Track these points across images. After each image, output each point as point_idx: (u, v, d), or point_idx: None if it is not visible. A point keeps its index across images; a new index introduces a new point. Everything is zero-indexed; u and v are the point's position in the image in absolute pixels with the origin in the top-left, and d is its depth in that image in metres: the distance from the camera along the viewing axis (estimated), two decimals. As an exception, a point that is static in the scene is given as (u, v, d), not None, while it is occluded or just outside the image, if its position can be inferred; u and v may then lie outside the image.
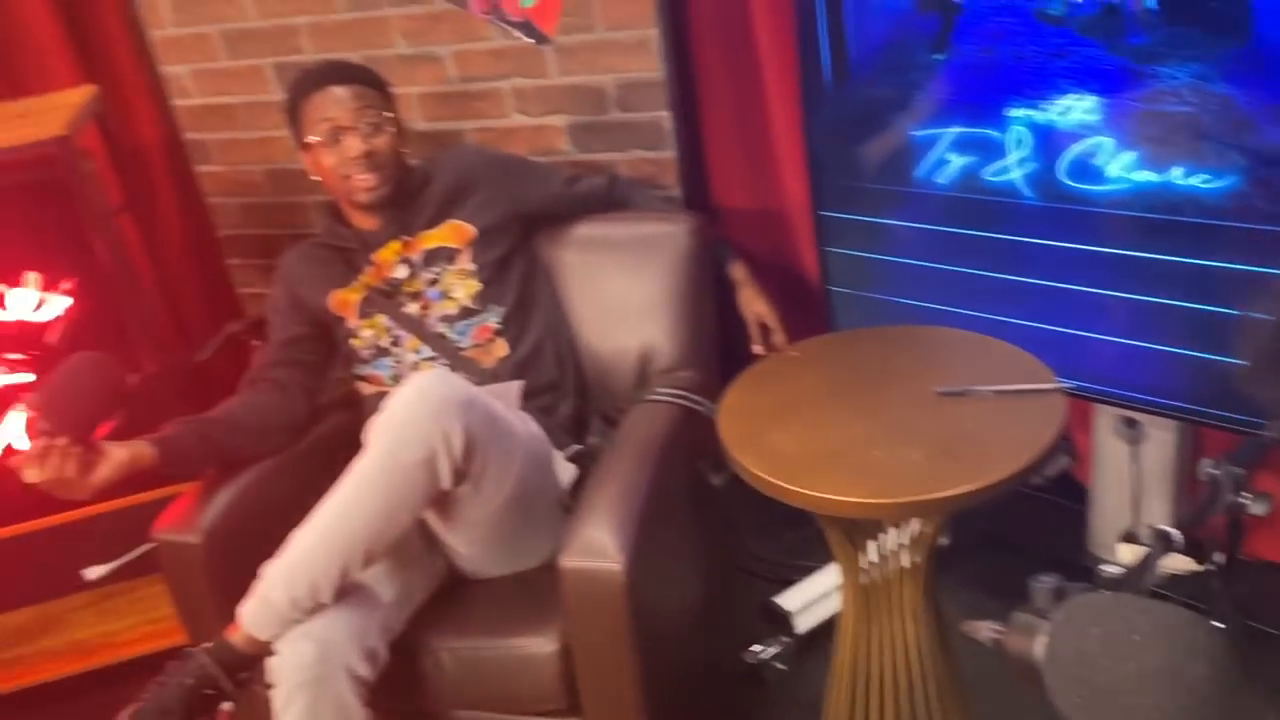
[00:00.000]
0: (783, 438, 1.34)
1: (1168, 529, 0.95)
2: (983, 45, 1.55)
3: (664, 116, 2.22)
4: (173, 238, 2.70)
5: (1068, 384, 1.37)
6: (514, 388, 1.75)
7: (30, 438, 1.52)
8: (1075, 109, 1.51)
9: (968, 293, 1.75)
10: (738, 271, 2.05)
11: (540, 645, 1.55)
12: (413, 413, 1.44)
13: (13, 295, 1.93)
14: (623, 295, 1.99)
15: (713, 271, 2.03)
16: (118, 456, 1.53)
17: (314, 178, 1.87)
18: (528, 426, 1.68)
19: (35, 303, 1.93)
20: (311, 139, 1.80)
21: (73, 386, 1.53)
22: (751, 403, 1.46)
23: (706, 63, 2.24)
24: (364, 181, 1.79)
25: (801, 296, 2.22)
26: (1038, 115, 1.55)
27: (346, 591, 1.47)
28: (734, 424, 1.39)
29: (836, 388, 1.47)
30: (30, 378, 1.99)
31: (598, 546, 1.46)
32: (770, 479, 1.27)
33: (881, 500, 1.24)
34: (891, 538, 1.40)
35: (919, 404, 1.41)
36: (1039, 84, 1.53)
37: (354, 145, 1.77)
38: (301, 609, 1.43)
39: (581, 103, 2.26)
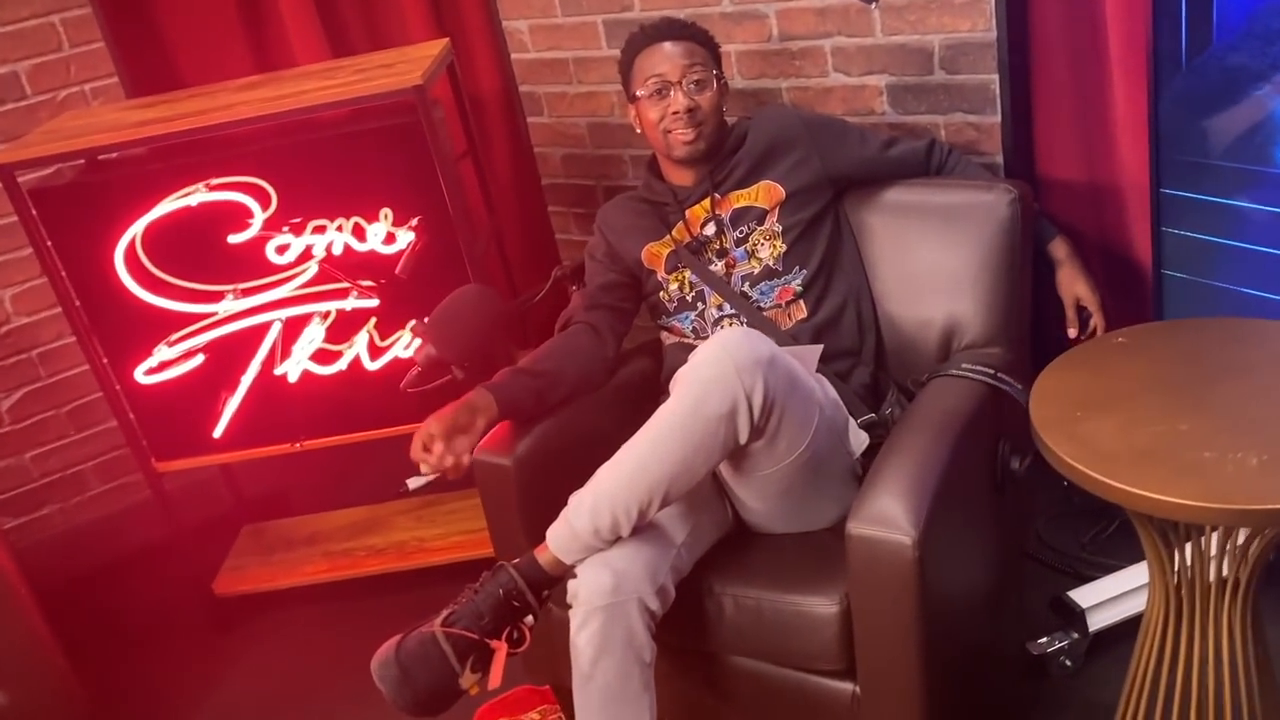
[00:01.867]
0: (1101, 428, 1.27)
1: None
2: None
3: (993, 80, 2.13)
4: (502, 184, 2.90)
5: None
6: (814, 352, 1.76)
7: (419, 363, 1.71)
8: None
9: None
10: (1059, 248, 1.95)
11: (821, 605, 1.56)
12: (719, 367, 1.48)
13: (370, 229, 2.14)
14: (932, 264, 1.94)
15: (1032, 246, 1.94)
16: (479, 426, 1.70)
17: (637, 130, 1.95)
18: (825, 391, 1.69)
19: (385, 236, 2.14)
20: (640, 92, 1.87)
21: (460, 315, 1.70)
22: (1069, 388, 1.39)
23: (1043, 25, 2.11)
24: (683, 136, 1.85)
25: (1127, 280, 2.07)
26: None
27: (643, 529, 1.55)
28: (1048, 408, 1.33)
29: (1165, 380, 1.37)
30: (375, 303, 2.21)
31: (888, 516, 1.45)
32: (1085, 469, 1.21)
33: (1209, 505, 1.15)
34: (1213, 544, 1.29)
35: (1260, 405, 1.29)
36: None
37: (678, 100, 1.83)
38: (603, 539, 1.52)
39: (904, 62, 2.21)
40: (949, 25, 2.13)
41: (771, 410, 1.50)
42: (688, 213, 1.93)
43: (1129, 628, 1.90)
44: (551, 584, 1.56)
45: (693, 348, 1.89)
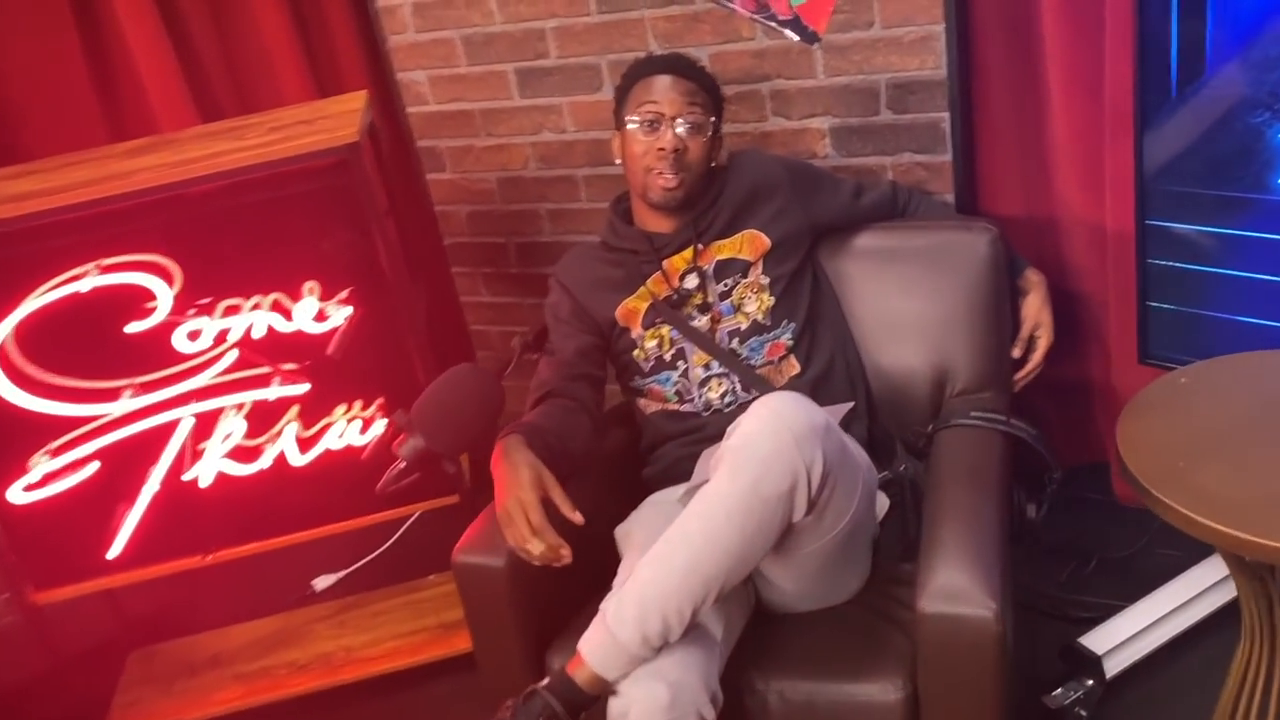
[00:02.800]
0: (1211, 476, 1.20)
1: None
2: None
3: (943, 118, 2.09)
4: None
5: None
6: (843, 410, 1.64)
7: (404, 459, 1.49)
8: None
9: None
10: (1033, 276, 1.90)
11: (883, 692, 1.43)
12: (776, 440, 1.33)
13: (298, 307, 1.89)
14: (916, 310, 1.86)
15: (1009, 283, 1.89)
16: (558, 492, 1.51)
17: (616, 161, 1.82)
18: (861, 452, 1.57)
19: (316, 313, 1.89)
20: (630, 122, 1.73)
21: (453, 402, 1.49)
22: (1156, 436, 1.31)
23: (985, 61, 2.09)
24: (664, 180, 1.71)
25: (1067, 309, 2.07)
26: None
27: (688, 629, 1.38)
28: (1146, 460, 1.24)
29: (1253, 419, 1.31)
30: (305, 388, 1.95)
31: (963, 590, 1.34)
32: (1216, 525, 1.12)
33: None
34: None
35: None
36: None
37: (666, 137, 1.70)
38: (651, 647, 1.33)
39: (849, 104, 2.14)
40: (897, 64, 2.07)
41: (826, 482, 1.37)
42: (665, 263, 1.79)
43: (1142, 668, 1.86)
44: (590, 704, 1.36)
45: (681, 415, 1.75)
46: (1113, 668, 1.84)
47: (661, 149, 1.70)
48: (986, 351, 1.83)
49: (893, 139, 2.14)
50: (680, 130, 1.70)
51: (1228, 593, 1.84)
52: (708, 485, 1.37)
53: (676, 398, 1.78)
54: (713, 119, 1.75)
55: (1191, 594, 1.88)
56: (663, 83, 1.72)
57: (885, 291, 1.88)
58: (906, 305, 1.87)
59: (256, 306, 1.88)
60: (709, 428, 1.74)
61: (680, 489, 1.69)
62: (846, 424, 1.75)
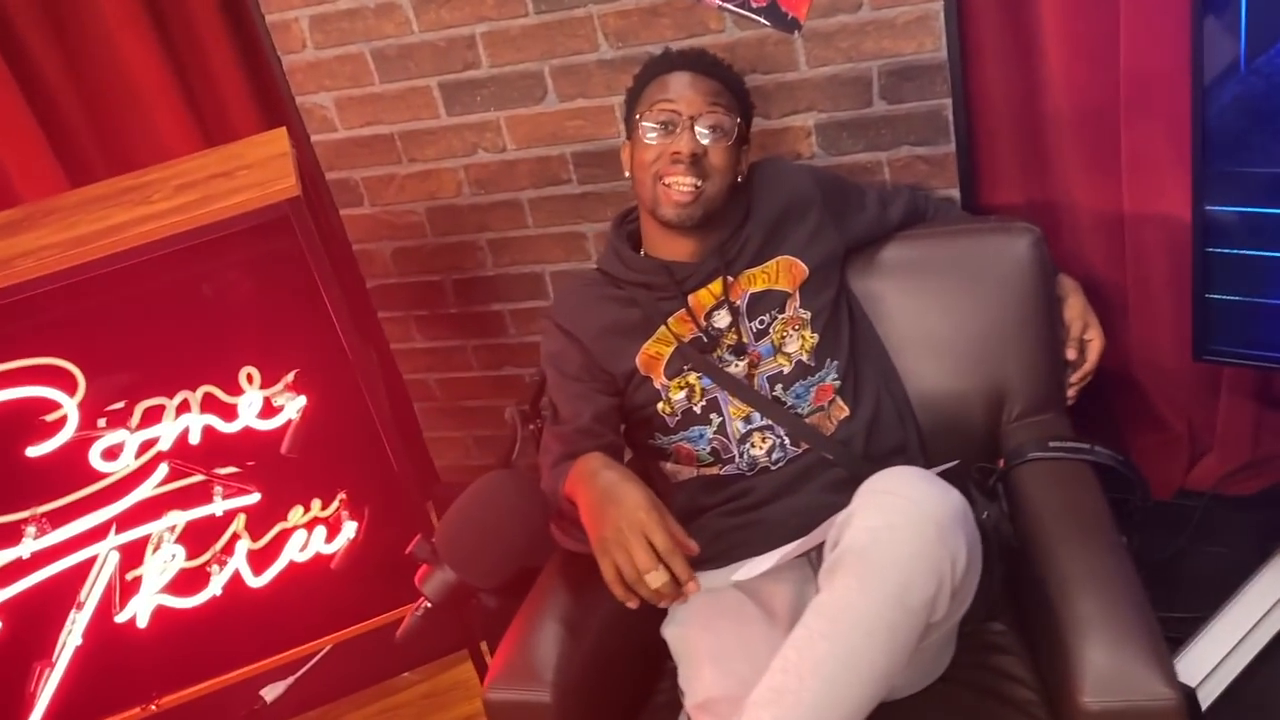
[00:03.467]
0: None
1: None
2: None
3: (945, 105, 1.87)
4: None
5: None
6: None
7: (429, 599, 1.17)
8: None
9: None
10: (1067, 281, 1.71)
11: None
12: (921, 538, 1.09)
13: (242, 401, 1.54)
14: (959, 327, 1.65)
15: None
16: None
17: (626, 173, 1.55)
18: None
19: (262, 407, 1.55)
20: (642, 125, 1.47)
21: (486, 520, 1.18)
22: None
23: (979, 40, 1.89)
24: (679, 191, 1.45)
25: (1148, 308, 1.94)
26: None
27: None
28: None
29: None
30: (255, 498, 1.61)
31: (1136, 678, 1.13)
32: None
33: None
34: None
35: None
36: None
37: (684, 140, 1.43)
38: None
39: (837, 96, 1.91)
40: (889, 49, 1.85)
41: (968, 570, 1.13)
42: (691, 298, 1.52)
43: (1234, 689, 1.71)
44: None
45: (720, 481, 1.50)
46: (1208, 695, 1.68)
47: (677, 152, 1.43)
48: (1042, 367, 1.63)
49: (889, 132, 1.92)
50: (700, 131, 1.44)
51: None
52: (828, 597, 1.11)
53: (712, 457, 1.52)
54: (739, 121, 1.49)
55: (1272, 601, 1.73)
56: (680, 80, 1.46)
57: (922, 309, 1.66)
58: (947, 323, 1.65)
59: (185, 407, 1.53)
60: (757, 490, 1.49)
61: (733, 570, 1.45)
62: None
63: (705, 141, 1.44)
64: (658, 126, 1.45)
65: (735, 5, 1.86)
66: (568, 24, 1.97)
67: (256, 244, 1.46)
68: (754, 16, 1.87)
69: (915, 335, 1.66)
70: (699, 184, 1.45)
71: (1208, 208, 1.58)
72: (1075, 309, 1.67)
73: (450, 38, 2.05)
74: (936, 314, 1.66)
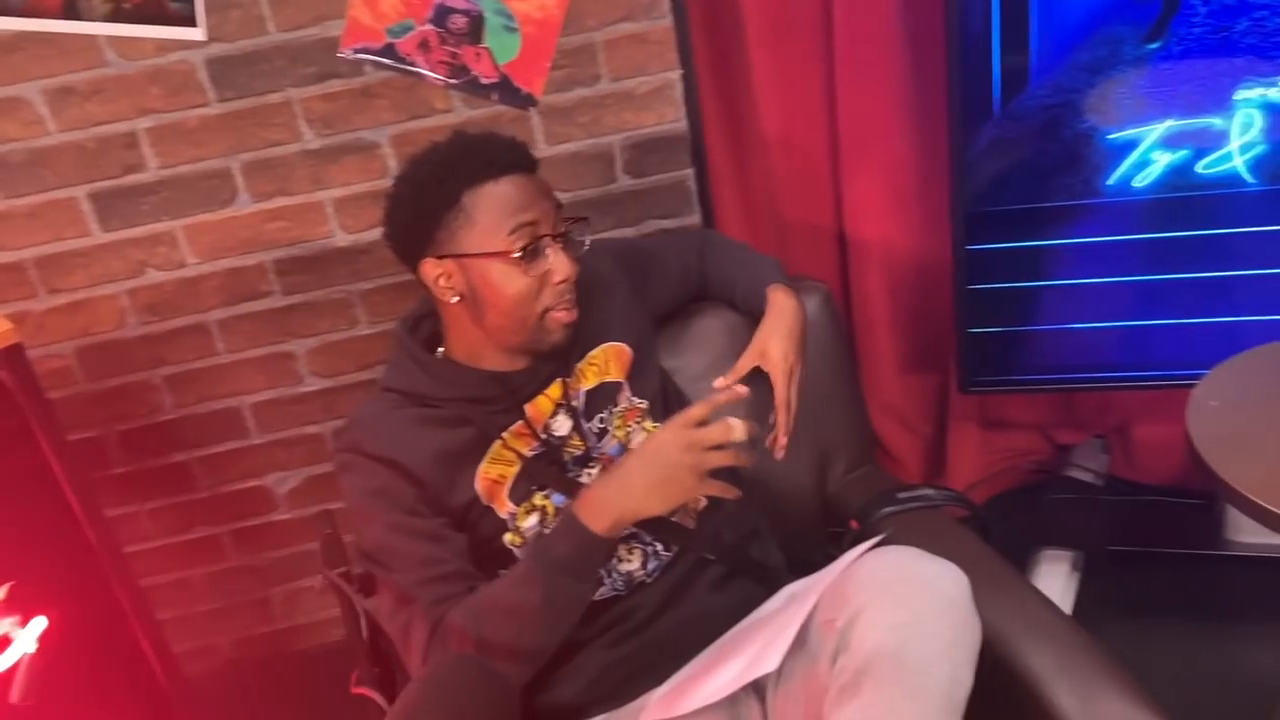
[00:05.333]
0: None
1: None
2: (1214, 26, 1.41)
3: (687, 175, 1.84)
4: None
5: None
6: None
7: None
8: (1322, 79, 1.42)
9: (1166, 300, 1.60)
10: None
11: None
12: (955, 629, 0.98)
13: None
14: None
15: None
16: None
17: (450, 299, 1.26)
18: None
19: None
20: (511, 254, 1.21)
21: None
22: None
23: (706, 109, 1.89)
24: (567, 318, 1.26)
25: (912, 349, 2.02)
26: (1274, 93, 1.44)
27: None
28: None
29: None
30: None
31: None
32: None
33: None
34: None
35: None
36: (1278, 59, 1.41)
37: (563, 264, 1.23)
38: None
39: (579, 174, 1.81)
40: (631, 121, 1.78)
41: None
42: (528, 407, 1.31)
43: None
44: None
45: (594, 608, 1.30)
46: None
47: (564, 281, 1.23)
48: (855, 420, 1.62)
49: (634, 207, 1.85)
50: (570, 246, 1.26)
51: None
52: (862, 716, 0.95)
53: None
54: (584, 218, 1.31)
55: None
56: (520, 188, 1.23)
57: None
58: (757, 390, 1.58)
59: None
60: (641, 609, 1.31)
61: (636, 710, 1.25)
62: (762, 556, 1.43)
63: (576, 254, 1.26)
64: (525, 253, 1.22)
65: (463, 83, 1.70)
66: (260, 112, 1.68)
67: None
68: (484, 94, 1.71)
69: (729, 407, 1.57)
70: (575, 302, 1.27)
71: (968, 247, 1.67)
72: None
73: (102, 136, 1.67)
74: (745, 382, 1.58)
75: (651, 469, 1.15)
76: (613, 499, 1.16)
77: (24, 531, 1.11)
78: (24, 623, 1.07)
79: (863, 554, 1.10)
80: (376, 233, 1.75)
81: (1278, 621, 1.87)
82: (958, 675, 0.98)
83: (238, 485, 1.95)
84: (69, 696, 1.15)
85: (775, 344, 1.39)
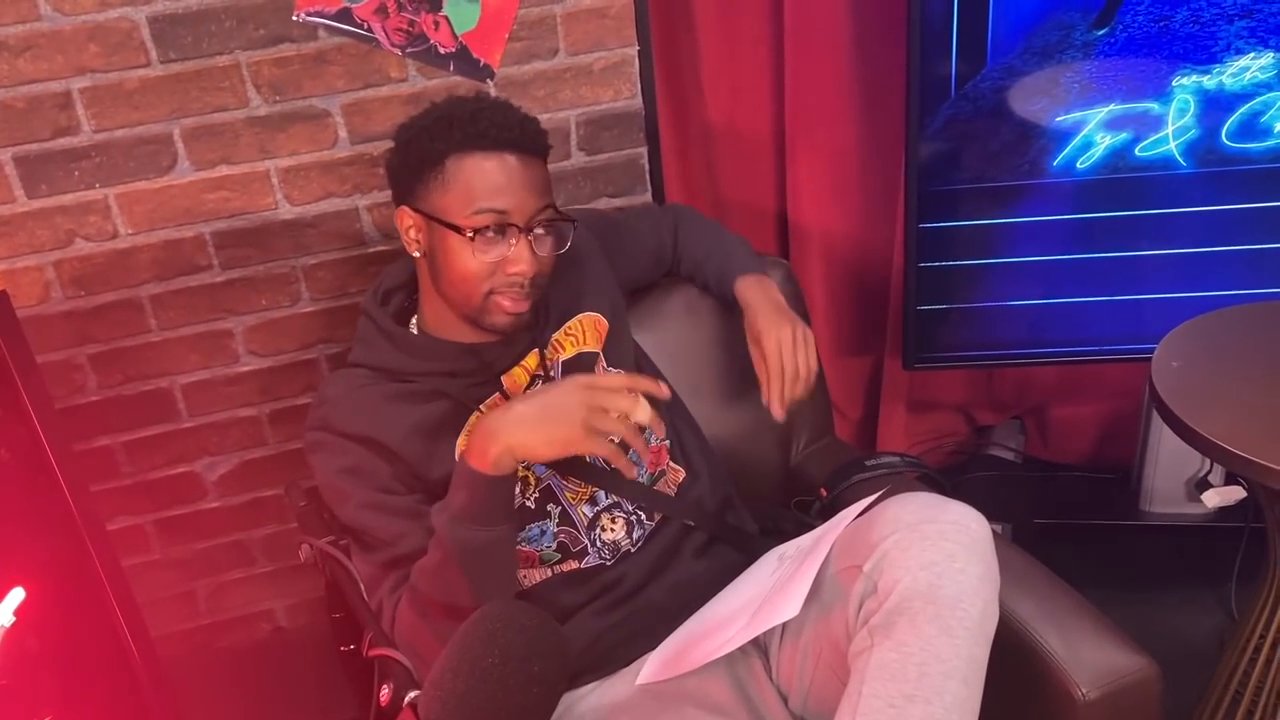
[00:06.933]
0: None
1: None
2: (1156, 15, 1.49)
3: (641, 153, 1.84)
4: None
5: None
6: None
7: None
8: (1250, 69, 1.52)
9: (1104, 277, 1.69)
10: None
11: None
12: (983, 564, 1.01)
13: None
14: (735, 367, 1.60)
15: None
16: None
17: (414, 252, 1.26)
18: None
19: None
20: (468, 233, 1.19)
21: (493, 672, 0.83)
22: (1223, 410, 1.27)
23: (661, 88, 1.90)
24: (512, 307, 1.23)
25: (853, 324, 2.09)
26: (1208, 81, 1.53)
27: None
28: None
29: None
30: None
31: (1113, 660, 1.15)
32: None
33: None
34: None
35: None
36: (1212, 48, 1.51)
37: (522, 257, 1.20)
38: None
39: (535, 149, 1.78)
40: (588, 97, 1.77)
41: None
42: (505, 379, 1.29)
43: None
44: None
45: (581, 575, 1.30)
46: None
47: (518, 272, 1.21)
48: (817, 393, 1.64)
49: (587, 184, 1.84)
50: (537, 242, 1.23)
51: None
52: (898, 655, 0.97)
53: (560, 553, 1.30)
54: (557, 214, 1.28)
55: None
56: (504, 168, 1.20)
57: (694, 356, 1.60)
58: (722, 363, 1.60)
59: None
60: (628, 577, 1.30)
61: (635, 671, 1.25)
62: (738, 523, 1.44)
63: (543, 253, 1.24)
64: (486, 233, 1.19)
65: (419, 51, 1.66)
66: (206, 74, 1.61)
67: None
68: (441, 64, 1.68)
69: (699, 381, 1.59)
70: (531, 298, 1.25)
71: (920, 225, 1.72)
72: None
73: (33, 95, 1.57)
74: (710, 356, 1.60)
75: (538, 402, 1.12)
76: (495, 429, 1.10)
77: (2, 502, 1.03)
78: (1, 595, 0.99)
79: (868, 508, 1.12)
80: (323, 205, 1.73)
81: (1191, 585, 1.99)
82: (988, 609, 1.01)
83: (165, 471, 1.85)
84: (43, 670, 1.07)
85: (768, 333, 1.42)
